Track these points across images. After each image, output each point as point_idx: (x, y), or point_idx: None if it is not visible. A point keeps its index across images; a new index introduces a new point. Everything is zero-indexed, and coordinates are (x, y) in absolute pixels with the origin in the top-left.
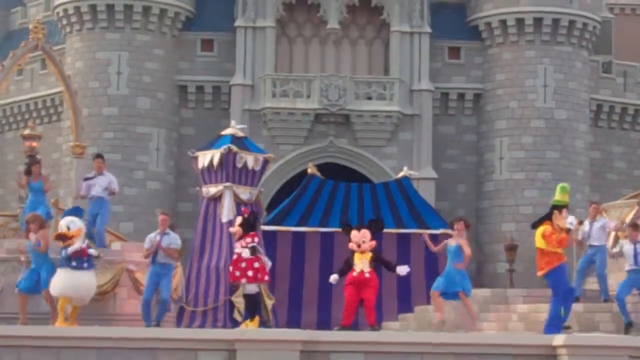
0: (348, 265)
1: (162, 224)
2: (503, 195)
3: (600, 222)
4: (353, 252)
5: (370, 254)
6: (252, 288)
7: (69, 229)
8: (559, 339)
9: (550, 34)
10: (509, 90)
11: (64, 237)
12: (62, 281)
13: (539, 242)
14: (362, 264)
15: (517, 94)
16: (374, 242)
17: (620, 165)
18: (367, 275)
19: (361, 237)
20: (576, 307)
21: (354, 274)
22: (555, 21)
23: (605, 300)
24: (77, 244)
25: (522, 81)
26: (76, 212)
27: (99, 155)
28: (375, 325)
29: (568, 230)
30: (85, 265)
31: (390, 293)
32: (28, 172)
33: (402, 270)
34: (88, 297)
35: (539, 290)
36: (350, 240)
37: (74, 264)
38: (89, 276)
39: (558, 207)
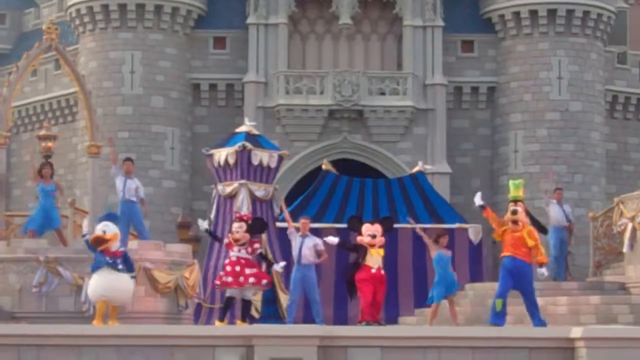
0: (359, 259)
1: (303, 227)
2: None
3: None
4: (364, 247)
5: (382, 251)
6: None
7: (104, 232)
8: (576, 332)
9: (565, 25)
10: (523, 83)
11: (100, 241)
12: (97, 284)
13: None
14: (377, 260)
15: (532, 86)
16: (383, 239)
17: (636, 157)
18: (382, 272)
19: (375, 230)
20: (593, 299)
21: (373, 270)
22: (570, 12)
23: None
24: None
25: (536, 73)
26: (110, 217)
27: (128, 159)
28: (382, 322)
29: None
30: (120, 267)
31: (406, 288)
32: (40, 174)
33: None
34: (126, 299)
35: (554, 283)
36: (360, 234)
37: (110, 263)
38: (125, 279)
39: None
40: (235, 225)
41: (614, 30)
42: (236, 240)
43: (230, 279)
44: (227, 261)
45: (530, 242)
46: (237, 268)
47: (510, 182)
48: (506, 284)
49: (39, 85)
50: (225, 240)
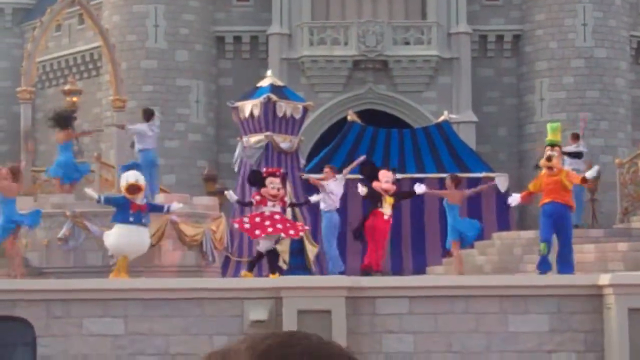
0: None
1: (328, 175)
2: (544, 136)
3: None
4: (380, 195)
5: (392, 199)
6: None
7: (137, 181)
8: (604, 279)
9: None
10: (548, 30)
11: (136, 189)
12: (120, 239)
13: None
14: (389, 208)
15: (557, 33)
16: (394, 187)
17: None
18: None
19: (391, 177)
20: (621, 246)
21: (385, 217)
22: None
23: (576, 226)
24: (139, 199)
25: (561, 21)
26: (135, 167)
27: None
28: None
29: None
30: (144, 221)
31: (434, 237)
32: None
33: (419, 189)
34: (142, 252)
35: (579, 230)
36: (378, 180)
37: (131, 219)
38: (144, 232)
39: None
40: (275, 181)
41: None
42: (274, 197)
43: (258, 230)
44: (259, 216)
45: (569, 185)
46: (277, 217)
47: (548, 125)
48: (547, 229)
49: (63, 40)
50: (257, 198)
